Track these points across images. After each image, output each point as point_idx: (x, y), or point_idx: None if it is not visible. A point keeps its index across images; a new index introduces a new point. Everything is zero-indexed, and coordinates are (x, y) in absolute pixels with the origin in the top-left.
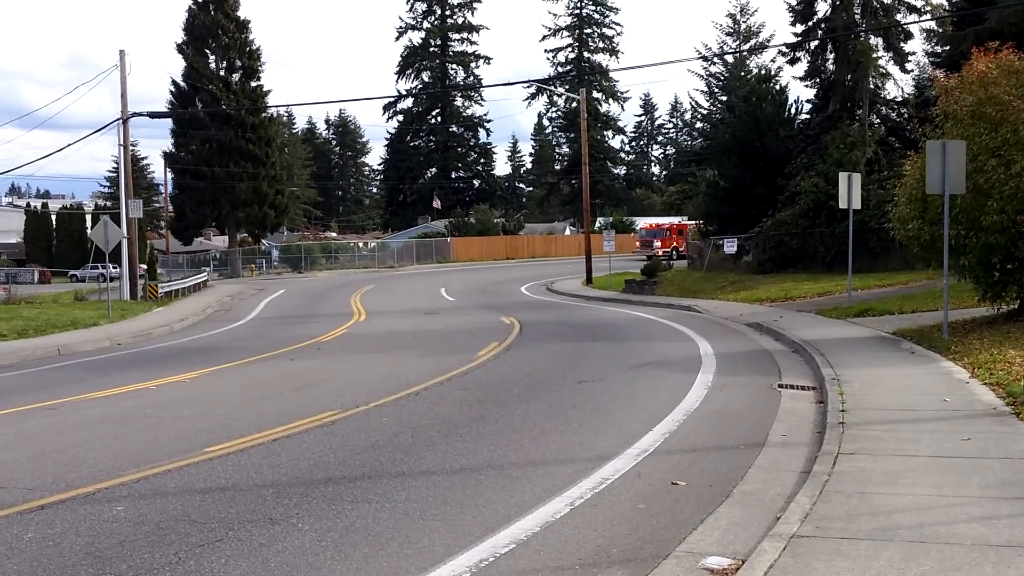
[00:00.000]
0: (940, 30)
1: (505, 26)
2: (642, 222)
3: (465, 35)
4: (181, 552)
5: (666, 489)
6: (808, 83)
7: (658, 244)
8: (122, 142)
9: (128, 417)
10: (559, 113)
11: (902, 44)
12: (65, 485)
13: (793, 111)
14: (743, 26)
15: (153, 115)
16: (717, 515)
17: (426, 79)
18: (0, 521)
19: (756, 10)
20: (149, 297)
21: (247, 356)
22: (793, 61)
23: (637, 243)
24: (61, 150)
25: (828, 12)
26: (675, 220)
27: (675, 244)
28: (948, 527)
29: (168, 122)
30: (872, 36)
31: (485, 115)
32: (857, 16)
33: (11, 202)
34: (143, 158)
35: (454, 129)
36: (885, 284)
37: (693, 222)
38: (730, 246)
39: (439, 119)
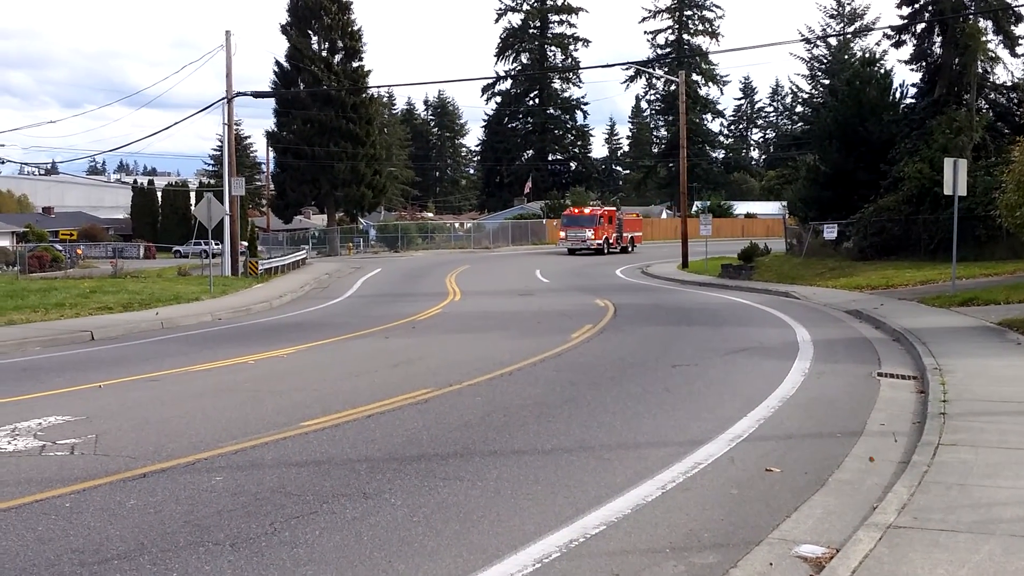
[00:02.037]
0: None
1: (604, 8)
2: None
3: (564, 17)
4: (277, 523)
5: (760, 475)
6: (913, 67)
7: (590, 235)
8: (226, 121)
9: (227, 390)
10: (657, 96)
11: (1012, 27)
12: (166, 454)
13: (898, 95)
14: (847, 8)
15: (256, 95)
16: (812, 503)
17: (524, 61)
18: (104, 488)
19: None
20: (250, 273)
21: (343, 333)
22: (898, 44)
23: (561, 234)
24: (167, 128)
25: None
26: (606, 207)
27: (606, 234)
28: None
29: (271, 102)
30: (981, 19)
31: (583, 97)
32: None
33: (119, 179)
34: (246, 137)
35: (552, 111)
36: (991, 273)
37: (620, 209)
38: (830, 232)
39: (537, 101)
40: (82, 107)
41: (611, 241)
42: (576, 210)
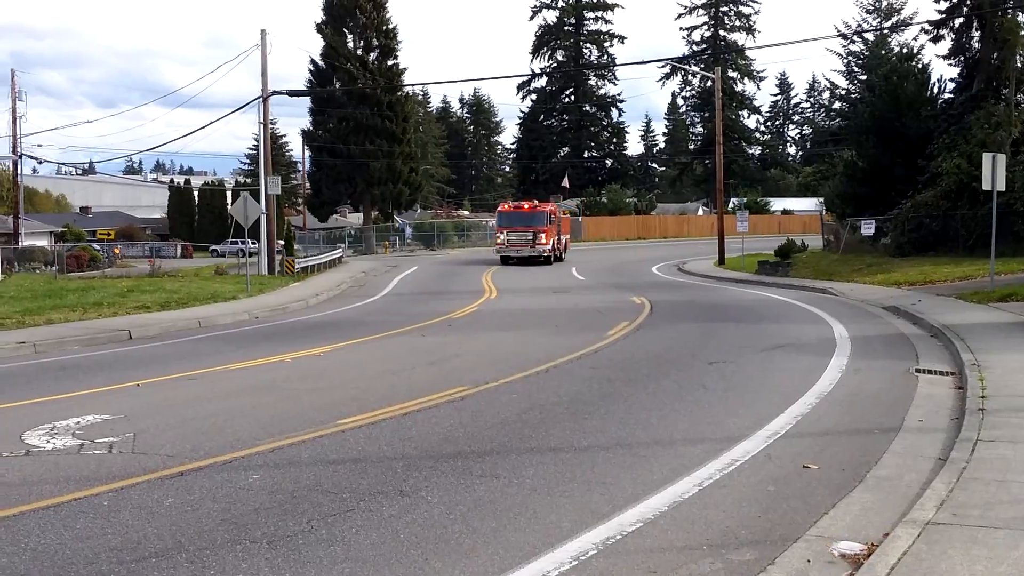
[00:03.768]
0: None
1: (639, 4)
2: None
3: (599, 14)
4: (314, 521)
5: (797, 472)
6: (951, 62)
7: (541, 238)
8: (262, 120)
9: (264, 388)
10: (693, 92)
11: None
12: (204, 453)
13: (935, 90)
14: (885, 3)
15: (292, 94)
16: (849, 500)
17: (560, 58)
18: (142, 486)
19: None
20: (286, 272)
21: (380, 331)
22: (936, 39)
23: (499, 236)
24: (203, 128)
25: None
26: (551, 203)
27: (553, 238)
28: None
29: (306, 101)
30: (1020, 13)
31: (618, 94)
32: None
33: (156, 179)
34: (282, 136)
35: (587, 108)
36: None
37: (567, 209)
38: (867, 228)
39: (572, 98)
40: (117, 107)
41: (559, 246)
42: (516, 205)
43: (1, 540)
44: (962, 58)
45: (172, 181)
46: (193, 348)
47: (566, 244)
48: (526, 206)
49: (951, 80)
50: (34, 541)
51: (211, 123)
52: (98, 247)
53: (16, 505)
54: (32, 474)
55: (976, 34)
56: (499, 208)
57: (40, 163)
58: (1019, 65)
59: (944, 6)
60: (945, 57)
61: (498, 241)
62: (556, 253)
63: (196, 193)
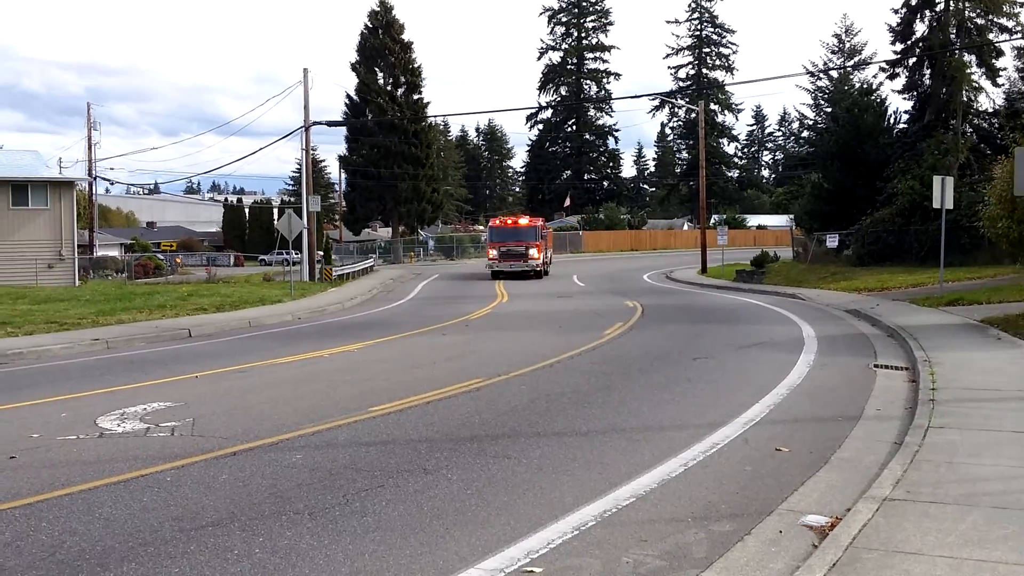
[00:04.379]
0: None
1: (633, 45)
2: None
3: (598, 54)
4: (349, 495)
5: (770, 454)
6: (906, 96)
7: (533, 252)
8: (304, 147)
9: (306, 380)
10: (679, 123)
11: (994, 60)
12: (253, 436)
13: (892, 121)
14: (847, 45)
15: (330, 124)
16: (816, 479)
17: (563, 93)
18: (200, 464)
19: (859, 31)
20: (325, 279)
21: (406, 330)
22: (893, 76)
23: (491, 252)
24: (253, 154)
25: (926, 32)
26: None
27: (542, 253)
28: None
29: (342, 130)
30: (966, 53)
31: (614, 124)
32: (952, 36)
33: (212, 197)
34: (321, 161)
35: (587, 137)
36: (974, 277)
37: (552, 223)
38: (832, 241)
39: (574, 128)
40: (179, 135)
41: (548, 262)
42: (509, 220)
43: (79, 510)
44: (915, 93)
45: (226, 200)
46: (244, 345)
47: (551, 258)
48: (517, 221)
49: (905, 112)
50: (107, 511)
51: (260, 149)
52: (162, 257)
53: (91, 480)
54: (105, 453)
55: (927, 72)
56: (490, 224)
57: (112, 184)
58: (965, 99)
59: (899, 47)
60: (900, 92)
61: (490, 256)
62: (544, 267)
63: (247, 210)
